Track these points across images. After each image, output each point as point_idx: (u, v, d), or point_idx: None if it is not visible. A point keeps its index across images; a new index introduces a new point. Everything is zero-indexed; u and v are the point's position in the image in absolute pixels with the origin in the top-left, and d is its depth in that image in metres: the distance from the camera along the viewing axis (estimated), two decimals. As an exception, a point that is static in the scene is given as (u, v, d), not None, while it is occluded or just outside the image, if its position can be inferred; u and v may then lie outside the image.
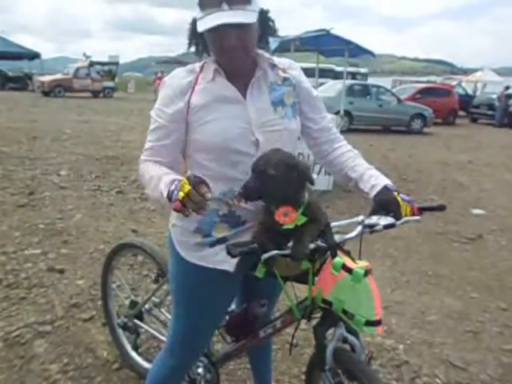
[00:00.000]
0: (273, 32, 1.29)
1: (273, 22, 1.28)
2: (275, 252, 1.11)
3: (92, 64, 22.98)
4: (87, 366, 2.17)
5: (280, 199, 1.11)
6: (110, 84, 23.43)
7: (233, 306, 1.62)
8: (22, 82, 25.00)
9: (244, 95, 1.24)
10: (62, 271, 3.11)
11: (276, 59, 1.33)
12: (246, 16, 1.12)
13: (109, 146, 8.12)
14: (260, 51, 1.29)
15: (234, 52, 1.17)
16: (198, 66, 1.27)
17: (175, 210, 1.04)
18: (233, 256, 1.06)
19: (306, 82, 1.37)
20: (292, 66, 1.36)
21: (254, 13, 1.15)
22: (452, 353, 2.46)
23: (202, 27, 1.14)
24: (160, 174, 1.17)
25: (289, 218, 1.11)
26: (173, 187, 1.06)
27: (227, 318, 1.54)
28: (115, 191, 5.28)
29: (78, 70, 22.06)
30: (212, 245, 1.14)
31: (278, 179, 1.08)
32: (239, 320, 1.49)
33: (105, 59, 25.78)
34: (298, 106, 1.34)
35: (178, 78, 1.26)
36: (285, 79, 1.31)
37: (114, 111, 15.33)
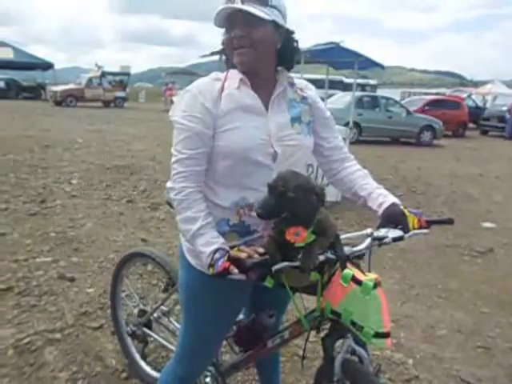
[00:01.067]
0: (296, 51, 1.34)
1: (297, 42, 1.33)
2: (285, 263, 1.12)
3: (104, 74, 23.41)
4: (96, 375, 2.18)
5: (295, 220, 1.13)
6: (122, 94, 23.79)
7: (241, 316, 1.63)
8: (35, 92, 25.53)
9: (266, 108, 1.28)
10: (72, 279, 3.15)
11: (294, 79, 1.38)
12: (254, 10, 1.17)
13: (119, 155, 8.21)
14: (280, 68, 1.34)
15: (241, 43, 1.22)
16: (221, 75, 1.31)
17: (218, 273, 1.14)
18: (244, 269, 1.08)
19: (321, 103, 1.43)
20: (309, 87, 1.42)
21: (267, 15, 1.19)
22: (463, 368, 2.43)
23: (214, 21, 1.23)
24: (202, 224, 1.22)
25: (300, 237, 1.13)
26: (217, 255, 1.15)
27: (235, 328, 1.55)
28: (125, 200, 5.33)
29: (90, 80, 22.49)
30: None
31: (297, 202, 1.11)
32: (247, 330, 1.49)
33: (116, 69, 26.22)
34: (313, 124, 1.39)
35: (205, 85, 1.28)
36: (303, 98, 1.37)
37: (125, 121, 15.52)
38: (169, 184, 1.28)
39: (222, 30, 1.28)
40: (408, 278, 3.62)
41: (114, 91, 23.44)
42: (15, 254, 3.50)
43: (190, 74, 27.39)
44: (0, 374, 2.12)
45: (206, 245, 1.20)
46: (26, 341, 2.37)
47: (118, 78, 24.63)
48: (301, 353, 2.35)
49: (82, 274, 3.26)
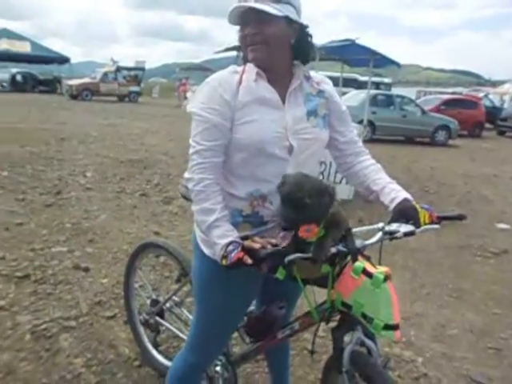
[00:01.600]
0: (311, 46, 1.35)
1: (311, 36, 1.34)
2: (297, 255, 1.15)
3: (119, 69, 23.59)
4: (109, 362, 2.23)
5: (310, 221, 1.15)
6: (136, 89, 23.95)
7: (252, 307, 1.65)
8: (51, 85, 25.84)
9: (282, 101, 1.30)
10: (86, 269, 3.21)
11: (310, 72, 1.40)
12: (266, 7, 1.19)
13: (133, 149, 8.30)
14: (296, 62, 1.35)
15: (254, 40, 1.24)
16: (239, 68, 1.33)
17: (232, 263, 1.16)
18: (258, 259, 1.11)
19: (337, 97, 1.44)
20: (325, 81, 1.43)
21: (279, 12, 1.21)
22: (473, 368, 2.42)
23: (228, 19, 1.26)
24: (218, 216, 1.23)
25: (311, 233, 1.15)
26: (231, 248, 1.17)
27: (246, 319, 1.58)
28: (139, 194, 5.40)
29: (105, 74, 22.69)
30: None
31: (313, 206, 1.12)
32: (258, 321, 1.52)
33: (131, 64, 26.40)
34: (328, 118, 1.40)
35: (224, 77, 1.30)
36: (319, 91, 1.39)
37: (139, 115, 15.64)
38: (187, 174, 1.29)
39: (237, 27, 1.30)
40: (419, 277, 3.60)
41: (129, 86, 23.61)
42: (32, 243, 3.58)
43: (204, 69, 27.43)
44: (18, 357, 2.19)
45: (221, 237, 1.22)
46: (42, 327, 2.44)
47: (132, 73, 24.81)
48: (310, 347, 2.37)
49: (96, 264, 3.32)
